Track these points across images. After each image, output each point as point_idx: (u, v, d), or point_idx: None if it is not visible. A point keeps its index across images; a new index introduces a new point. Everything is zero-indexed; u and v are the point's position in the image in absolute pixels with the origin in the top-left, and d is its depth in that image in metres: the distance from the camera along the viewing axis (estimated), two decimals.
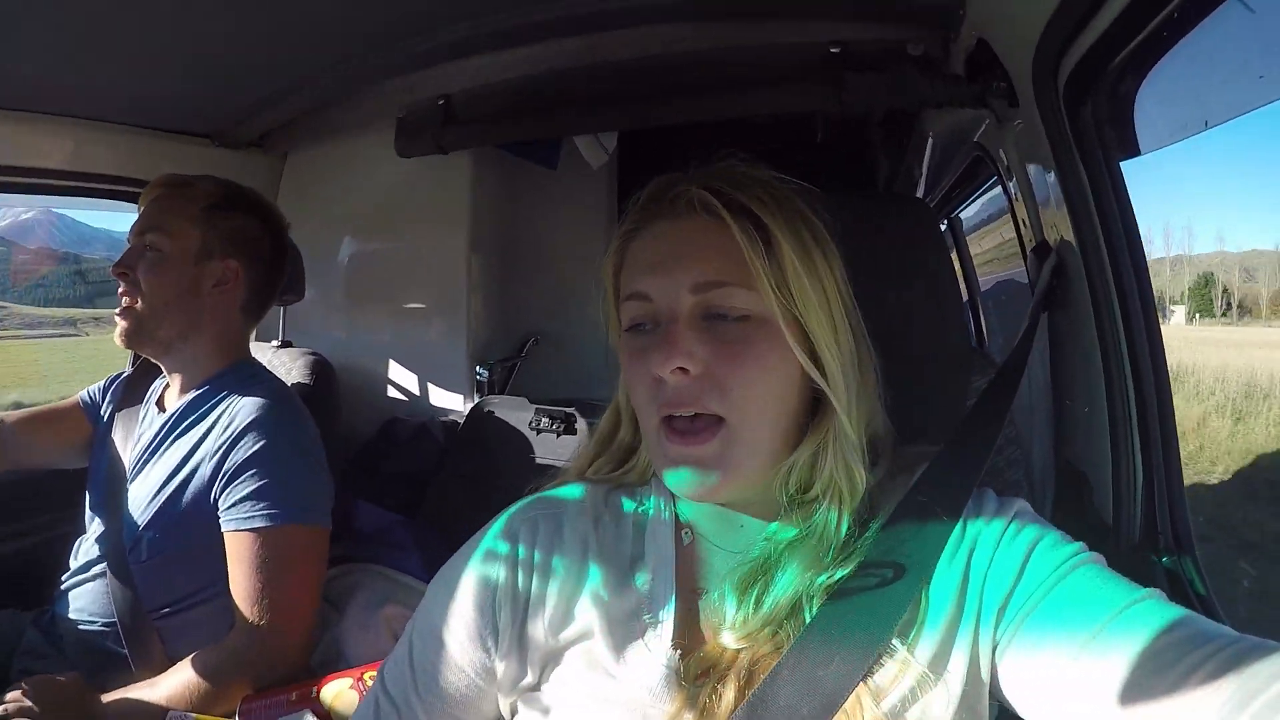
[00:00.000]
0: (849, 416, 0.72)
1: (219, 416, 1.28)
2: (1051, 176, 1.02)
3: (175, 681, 1.14)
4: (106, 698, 1.15)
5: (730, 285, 0.70)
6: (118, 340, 1.31)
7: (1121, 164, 0.95)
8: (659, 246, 0.74)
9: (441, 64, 1.59)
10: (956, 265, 3.07)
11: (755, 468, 0.72)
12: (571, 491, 0.83)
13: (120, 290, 1.30)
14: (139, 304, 1.29)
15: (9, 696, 1.13)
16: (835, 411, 0.71)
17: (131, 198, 1.75)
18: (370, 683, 1.08)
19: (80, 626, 1.28)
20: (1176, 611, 0.57)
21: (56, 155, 1.69)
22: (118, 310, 1.31)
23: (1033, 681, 0.60)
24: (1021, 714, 0.61)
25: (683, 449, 0.69)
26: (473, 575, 0.78)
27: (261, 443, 1.22)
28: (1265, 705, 0.45)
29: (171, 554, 1.25)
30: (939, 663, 0.64)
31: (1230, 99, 0.78)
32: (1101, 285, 0.94)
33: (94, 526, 1.35)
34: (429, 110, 1.73)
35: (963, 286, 3.09)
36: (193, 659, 1.16)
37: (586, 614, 0.72)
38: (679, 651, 0.69)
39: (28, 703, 1.12)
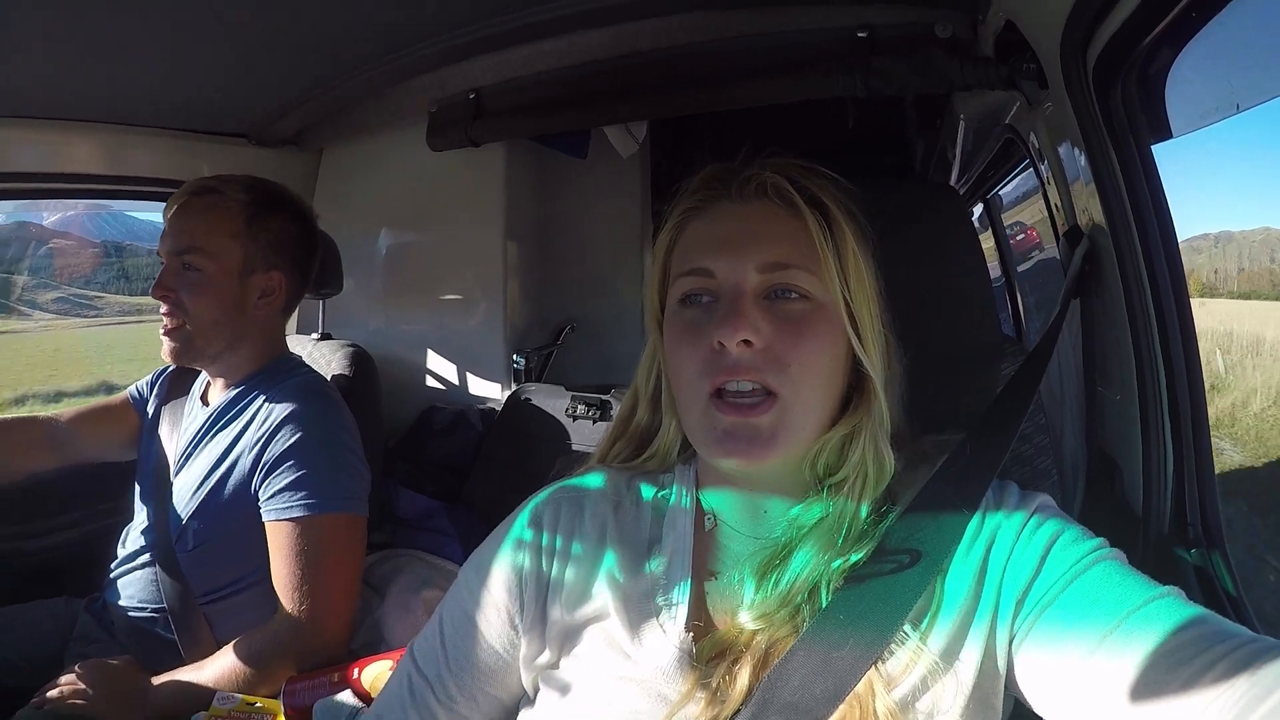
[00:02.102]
0: (886, 402, 0.74)
1: (258, 411, 1.31)
2: (1082, 160, 1.00)
3: (222, 665, 1.19)
4: (157, 680, 1.21)
5: (795, 268, 0.72)
6: (166, 358, 1.32)
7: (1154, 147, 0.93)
8: (725, 226, 0.76)
9: (471, 58, 1.61)
10: (993, 246, 3.02)
11: (801, 442, 0.73)
12: (594, 478, 0.85)
13: (163, 310, 1.30)
14: (186, 325, 1.30)
15: (64, 680, 1.19)
16: (875, 395, 0.74)
17: None
18: None
19: (130, 613, 1.33)
20: (1193, 609, 0.56)
21: (97, 160, 1.75)
22: (163, 330, 1.31)
23: (1047, 677, 0.60)
24: (1036, 709, 0.62)
25: (737, 418, 0.71)
26: (500, 559, 0.81)
27: (298, 435, 1.25)
28: (1277, 706, 0.45)
29: (216, 543, 1.29)
30: (951, 653, 0.65)
31: (1261, 82, 0.76)
32: (1133, 271, 0.92)
33: (141, 517, 1.40)
34: (460, 105, 1.75)
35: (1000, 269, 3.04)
36: (238, 643, 1.20)
37: (602, 595, 0.74)
38: (691, 634, 0.70)
39: (83, 685, 1.18)
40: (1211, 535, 0.88)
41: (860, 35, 1.32)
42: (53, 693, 1.18)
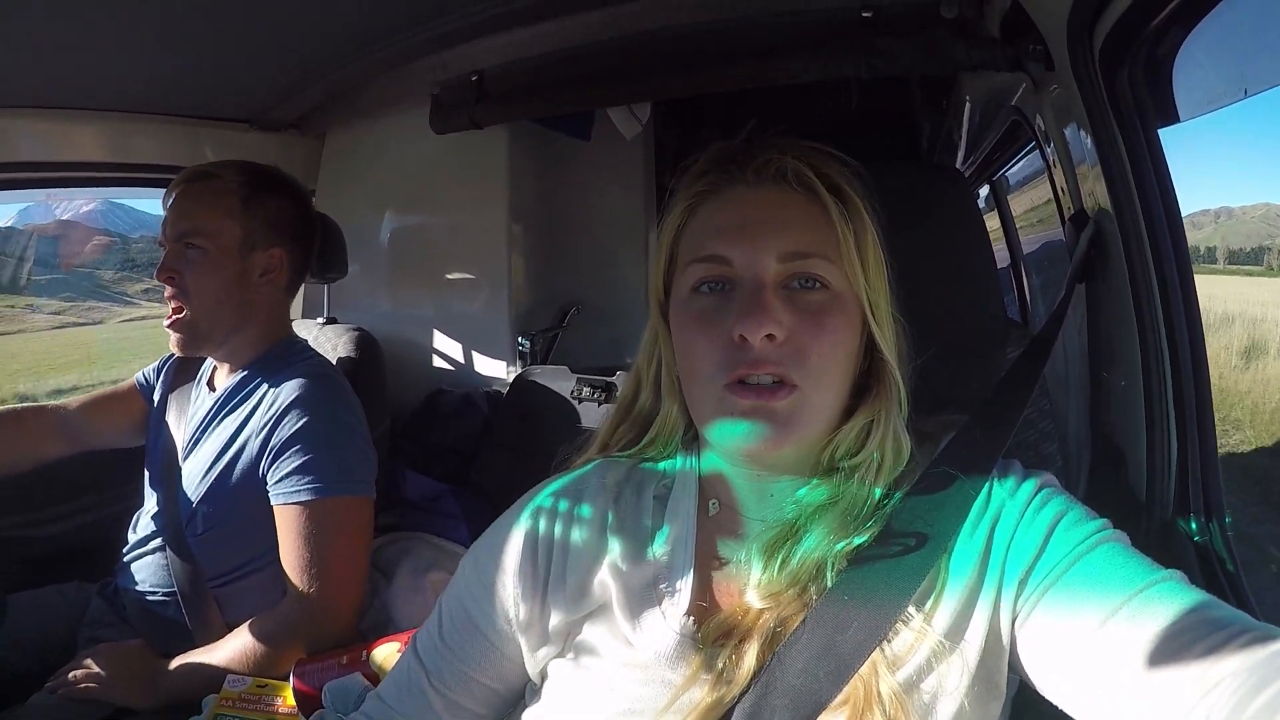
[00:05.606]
0: (904, 387, 0.74)
1: (264, 395, 1.32)
2: (1088, 143, 1.00)
3: (233, 647, 1.20)
4: (169, 664, 1.23)
5: (816, 257, 0.71)
6: (174, 349, 1.33)
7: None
8: (740, 211, 0.74)
9: (473, 40, 1.60)
10: (1000, 228, 3.00)
11: (814, 434, 0.73)
12: (593, 470, 0.84)
13: (168, 294, 1.30)
14: (189, 309, 1.30)
15: (78, 664, 1.21)
16: (893, 384, 0.74)
17: None
18: None
19: (143, 597, 1.35)
20: (1195, 594, 0.56)
21: (101, 148, 1.75)
22: (167, 320, 1.32)
23: (1049, 658, 0.60)
24: (1039, 688, 0.62)
25: (756, 401, 0.69)
26: (497, 555, 0.80)
27: (304, 419, 1.26)
28: (1277, 694, 0.45)
29: (225, 527, 1.30)
30: (956, 632, 0.65)
31: (1270, 66, 0.75)
32: (1139, 255, 0.92)
33: (152, 502, 1.41)
34: (463, 87, 1.74)
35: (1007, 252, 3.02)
36: (248, 626, 1.22)
37: (605, 586, 0.74)
38: (692, 618, 0.71)
39: (96, 669, 1.20)
40: (1215, 519, 0.88)
41: (865, 15, 1.30)
42: (68, 676, 1.20)
